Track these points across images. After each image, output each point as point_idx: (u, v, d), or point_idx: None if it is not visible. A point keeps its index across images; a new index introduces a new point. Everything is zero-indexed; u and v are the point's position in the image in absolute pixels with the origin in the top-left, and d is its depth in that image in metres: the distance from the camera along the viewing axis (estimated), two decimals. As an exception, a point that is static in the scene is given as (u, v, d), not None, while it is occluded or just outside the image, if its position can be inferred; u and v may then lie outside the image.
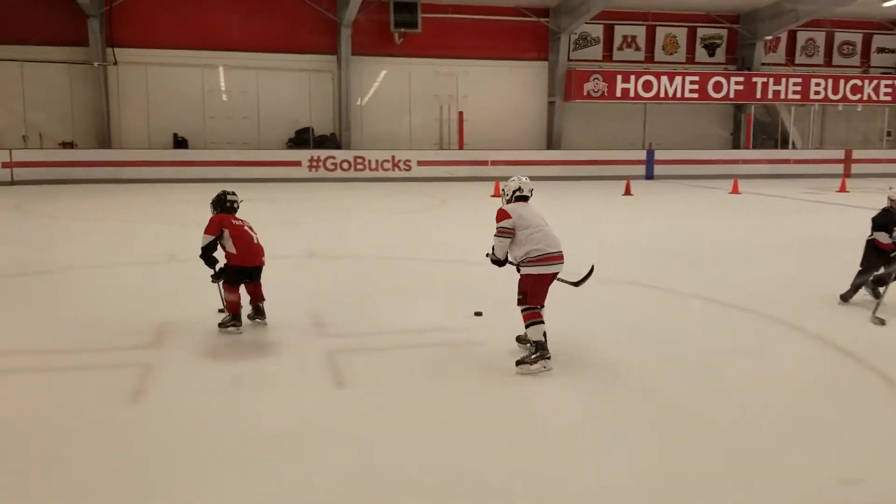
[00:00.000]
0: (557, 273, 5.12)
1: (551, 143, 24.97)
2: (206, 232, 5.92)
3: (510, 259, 5.24)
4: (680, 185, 21.76)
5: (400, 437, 4.03)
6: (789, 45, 27.01)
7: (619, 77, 24.16)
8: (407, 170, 22.12)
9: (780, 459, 3.77)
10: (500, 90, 24.76)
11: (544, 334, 5.03)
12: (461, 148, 23.33)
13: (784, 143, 26.41)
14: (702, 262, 9.50)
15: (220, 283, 6.09)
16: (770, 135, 26.75)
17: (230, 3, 22.12)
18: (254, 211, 14.35)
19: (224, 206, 6.15)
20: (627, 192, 18.44)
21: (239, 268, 5.98)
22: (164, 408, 4.43)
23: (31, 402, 4.51)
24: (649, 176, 23.76)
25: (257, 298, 6.15)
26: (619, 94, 24.17)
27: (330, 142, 23.12)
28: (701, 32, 26.22)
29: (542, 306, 5.12)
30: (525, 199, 5.33)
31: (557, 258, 5.10)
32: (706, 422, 4.28)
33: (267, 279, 7.61)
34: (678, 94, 24.51)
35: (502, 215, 5.16)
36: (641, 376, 5.05)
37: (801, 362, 5.48)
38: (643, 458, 3.77)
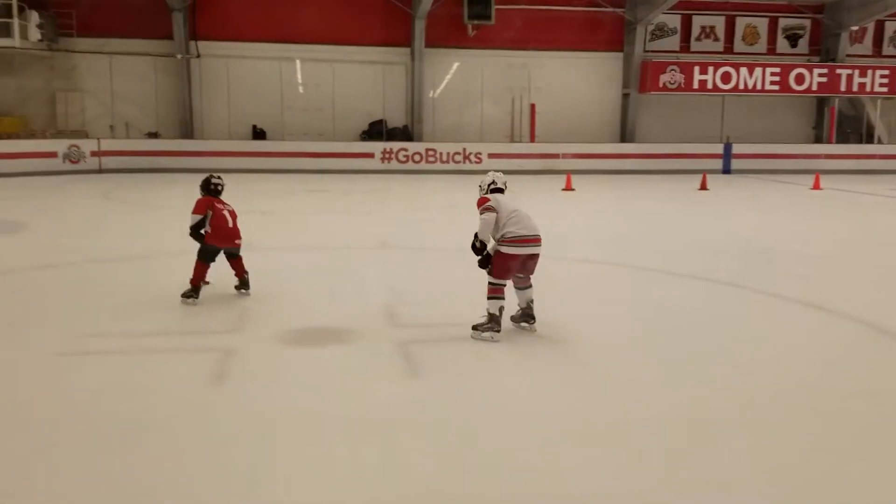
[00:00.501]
0: (530, 254, 5.56)
1: (625, 136, 24.60)
2: (194, 212, 6.57)
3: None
4: (758, 181, 21.16)
5: (473, 427, 4.09)
6: (876, 35, 25.84)
7: (697, 68, 23.60)
8: (478, 162, 22.16)
9: None
10: (574, 82, 24.51)
11: (500, 309, 5.53)
12: (532, 141, 23.23)
13: (869, 138, 25.35)
14: (785, 260, 9.25)
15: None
16: (855, 129, 25.70)
17: (309, -3, 22.57)
18: (327, 202, 14.76)
19: (209, 189, 6.77)
20: (703, 187, 18.05)
21: (212, 247, 6.57)
22: (244, 392, 4.61)
23: (122, 383, 4.74)
24: (726, 170, 23.16)
25: (240, 272, 6.83)
26: (696, 85, 23.62)
27: (402, 134, 23.36)
28: (783, 23, 25.35)
29: (506, 284, 5.59)
30: (500, 191, 5.89)
31: (532, 241, 5.56)
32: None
33: (341, 269, 7.80)
34: (758, 87, 23.79)
35: (482, 201, 5.73)
36: (736, 386, 4.99)
37: None
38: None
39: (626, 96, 24.58)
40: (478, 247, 5.70)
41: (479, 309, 6.38)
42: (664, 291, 7.52)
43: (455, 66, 23.98)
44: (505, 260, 5.55)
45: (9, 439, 3.87)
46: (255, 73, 22.79)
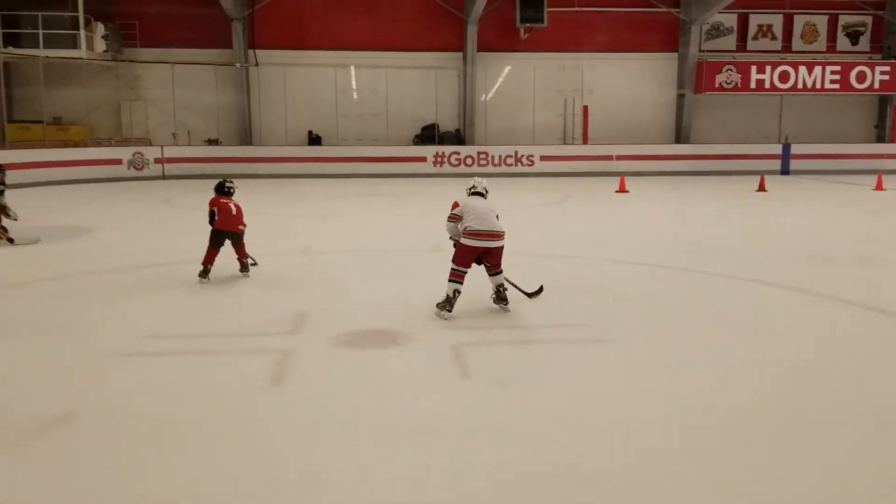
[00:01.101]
0: (486, 247, 6.42)
1: (680, 136, 24.28)
2: (210, 205, 7.99)
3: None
4: (818, 181, 20.65)
5: (526, 431, 4.14)
6: (942, 30, 24.98)
7: (754, 68, 23.16)
8: (530, 165, 22.15)
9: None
10: (627, 83, 24.32)
11: (455, 292, 6.38)
12: (585, 142, 23.11)
13: (935, 136, 24.48)
14: (848, 263, 9.06)
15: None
16: (919, 127, 24.86)
17: (362, 4, 22.87)
18: (381, 205, 14.95)
19: (222, 190, 8.10)
20: (762, 188, 17.71)
21: (218, 231, 7.88)
22: (302, 392, 4.74)
23: (180, 384, 4.89)
24: (785, 171, 22.65)
25: (242, 256, 8.09)
26: (753, 85, 23.20)
27: (454, 138, 23.52)
28: (843, 20, 24.67)
29: (466, 270, 6.46)
30: (479, 194, 6.74)
31: (487, 236, 6.40)
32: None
33: (394, 271, 7.94)
34: (817, 85, 23.23)
35: (454, 205, 6.64)
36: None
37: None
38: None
39: (681, 97, 24.26)
40: (451, 238, 6.79)
41: (532, 312, 6.46)
42: (723, 295, 7.44)
43: (507, 69, 24.02)
44: (464, 249, 6.45)
45: (67, 439, 4.03)
46: (310, 80, 23.24)
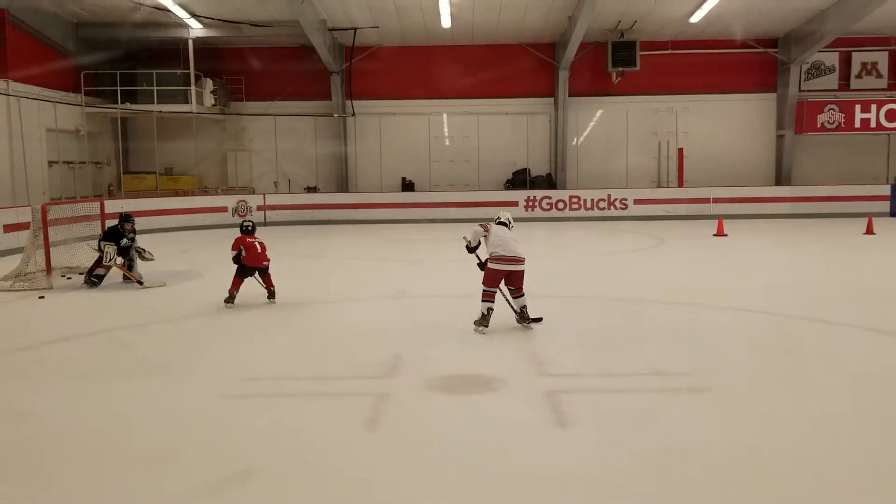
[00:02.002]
0: (510, 270, 7.46)
1: (781, 178, 23.52)
2: (233, 248, 9.23)
3: (479, 255, 7.81)
4: (934, 223, 19.53)
5: (627, 482, 4.07)
6: None
7: (858, 107, 22.31)
8: (623, 208, 21.90)
9: None
10: (724, 125, 23.84)
11: (489, 310, 7.42)
12: (681, 185, 22.70)
13: None
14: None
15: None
16: None
17: (455, 54, 23.44)
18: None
19: (243, 229, 9.50)
20: (869, 231, 16.88)
21: (245, 266, 9.18)
22: (397, 437, 4.79)
23: (277, 426, 5.02)
24: (894, 213, 21.52)
25: (269, 285, 9.36)
26: (857, 125, 22.32)
27: (545, 182, 23.56)
28: (955, 55, 23.51)
29: (495, 291, 7.51)
30: (504, 224, 7.82)
31: (509, 260, 7.46)
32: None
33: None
34: (928, 123, 22.13)
35: (484, 227, 7.75)
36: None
37: None
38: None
39: (780, 137, 23.56)
40: (468, 247, 7.84)
41: (628, 358, 6.38)
42: (830, 343, 7.13)
43: (599, 113, 24.00)
44: (491, 273, 7.51)
45: (163, 478, 4.19)
46: (404, 128, 23.88)
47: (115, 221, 10.98)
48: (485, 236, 7.69)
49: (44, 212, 11.04)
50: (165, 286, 10.85)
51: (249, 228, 9.53)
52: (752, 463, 4.25)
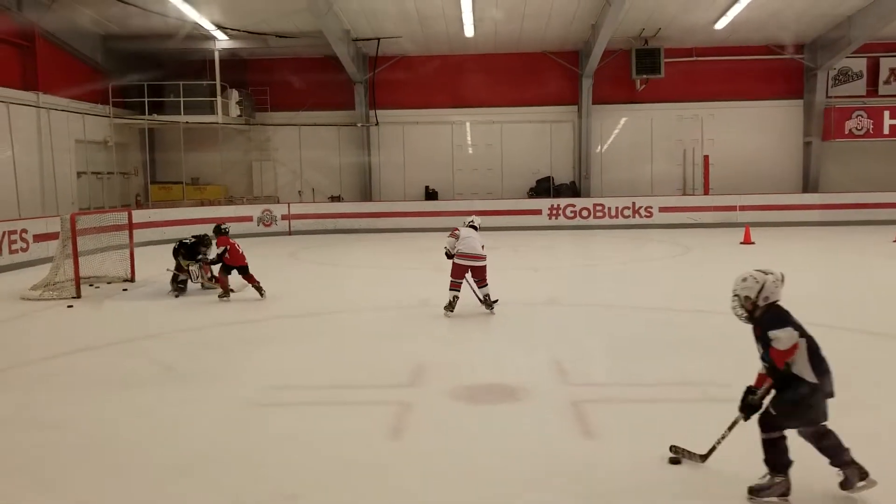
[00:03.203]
0: (472, 265, 8.90)
1: (808, 185, 23.22)
2: (219, 245, 10.28)
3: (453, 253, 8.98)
4: (968, 230, 19.13)
5: (654, 494, 4.02)
6: None
7: (887, 113, 21.98)
8: (648, 216, 21.73)
9: None
10: (750, 132, 23.59)
11: (455, 298, 8.84)
12: (706, 193, 22.49)
13: None
14: None
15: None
16: None
17: (478, 63, 23.46)
18: (496, 258, 14.99)
19: (221, 231, 10.35)
20: (900, 239, 16.61)
21: (229, 265, 10.25)
22: (422, 446, 4.78)
23: (304, 434, 5.04)
24: (926, 220, 21.13)
25: (253, 281, 10.30)
26: (886, 131, 21.99)
27: (569, 190, 23.46)
28: None
29: (461, 282, 8.93)
30: (473, 227, 9.25)
31: (472, 257, 8.89)
32: None
33: (510, 325, 7.97)
34: (960, 128, 21.73)
35: (455, 230, 9.10)
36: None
37: None
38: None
39: (807, 144, 23.28)
40: (447, 254, 9.02)
41: (653, 368, 6.33)
42: (862, 353, 6.99)
43: (623, 120, 23.89)
44: (457, 267, 8.93)
45: (192, 486, 4.22)
46: (428, 137, 23.94)
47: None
48: (456, 236, 8.99)
49: (73, 222, 11.19)
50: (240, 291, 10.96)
51: (227, 230, 10.39)
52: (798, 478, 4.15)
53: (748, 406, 3.98)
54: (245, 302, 10.42)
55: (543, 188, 23.51)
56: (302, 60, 23.19)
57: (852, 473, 3.80)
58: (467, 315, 9.29)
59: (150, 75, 21.92)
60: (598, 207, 21.99)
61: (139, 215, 17.21)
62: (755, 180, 23.01)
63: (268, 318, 9.25)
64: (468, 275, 8.94)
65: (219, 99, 21.75)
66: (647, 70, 22.22)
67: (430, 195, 23.69)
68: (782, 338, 3.79)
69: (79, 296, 10.80)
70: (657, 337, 7.74)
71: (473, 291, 9.03)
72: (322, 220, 21.81)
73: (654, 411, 5.38)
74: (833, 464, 3.85)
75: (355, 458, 4.57)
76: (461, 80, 23.53)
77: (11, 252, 14.06)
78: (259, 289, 10.29)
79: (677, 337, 7.73)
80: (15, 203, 16.89)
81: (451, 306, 8.83)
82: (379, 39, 21.72)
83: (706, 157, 22.82)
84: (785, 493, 3.82)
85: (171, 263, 11.20)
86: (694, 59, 23.15)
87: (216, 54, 21.64)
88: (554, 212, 22.05)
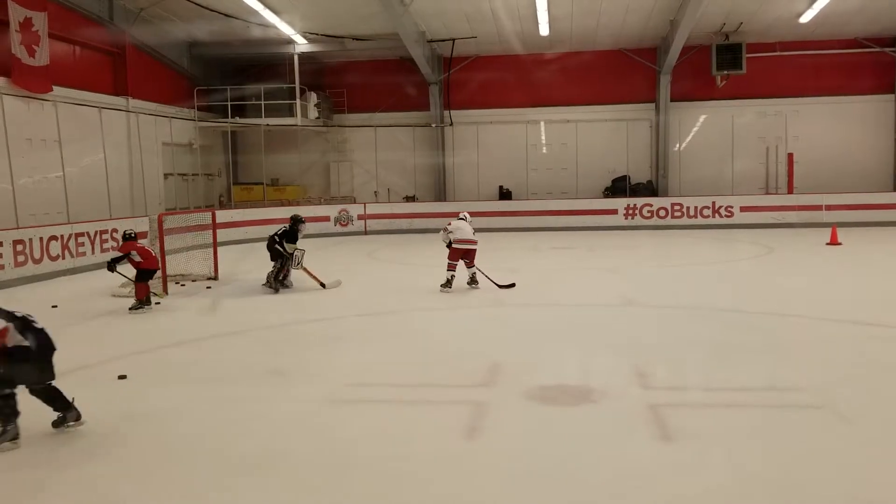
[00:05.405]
0: (465, 249, 10.83)
1: (900, 183, 22.20)
2: (120, 250, 10.06)
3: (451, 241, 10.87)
4: None
5: (731, 501, 3.95)
6: None
7: None
8: (729, 216, 21.15)
9: None
10: (836, 128, 22.69)
11: (451, 277, 10.77)
12: (791, 192, 21.75)
13: None
14: None
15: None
16: None
17: (553, 62, 23.30)
18: (571, 259, 14.95)
19: (127, 237, 10.17)
20: None
21: (146, 270, 9.94)
22: (496, 446, 4.80)
23: (379, 432, 5.11)
24: None
25: (165, 285, 10.94)
26: None
27: (645, 189, 23.05)
28: None
29: (456, 263, 10.84)
30: (463, 220, 11.19)
31: (466, 242, 10.83)
32: None
33: (586, 326, 7.94)
34: None
35: (445, 227, 10.99)
36: None
37: None
38: None
39: (899, 140, 22.24)
40: (447, 245, 10.88)
41: (736, 373, 6.20)
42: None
43: (702, 118, 23.33)
44: (453, 251, 10.82)
45: (269, 483, 4.33)
46: (502, 137, 23.91)
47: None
48: (447, 230, 10.91)
49: (160, 221, 11.67)
50: (341, 285, 11.58)
51: (133, 235, 10.28)
52: (863, 487, 4.02)
53: None
54: (327, 299, 10.67)
55: (619, 187, 23.17)
56: (377, 62, 23.50)
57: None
58: (541, 315, 9.27)
59: (233, 80, 22.63)
60: (676, 207, 21.53)
61: (222, 215, 17.80)
62: (842, 178, 22.11)
63: (347, 315, 9.44)
64: (470, 270, 10.90)
65: (298, 102, 22.28)
66: (727, 66, 21.62)
67: (504, 195, 23.67)
68: None
69: (166, 293, 11.23)
70: (740, 340, 7.55)
71: (487, 278, 10.96)
72: (397, 220, 22.06)
73: (736, 417, 5.25)
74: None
75: (429, 458, 4.61)
76: (536, 79, 23.41)
77: (103, 251, 14.75)
78: (149, 302, 9.99)
79: (761, 340, 7.53)
80: (106, 204, 17.71)
81: (448, 284, 10.73)
82: (454, 40, 21.85)
83: (790, 155, 22.07)
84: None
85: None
86: (778, 53, 22.39)
87: (295, 58, 22.17)
88: (630, 211, 21.71)
